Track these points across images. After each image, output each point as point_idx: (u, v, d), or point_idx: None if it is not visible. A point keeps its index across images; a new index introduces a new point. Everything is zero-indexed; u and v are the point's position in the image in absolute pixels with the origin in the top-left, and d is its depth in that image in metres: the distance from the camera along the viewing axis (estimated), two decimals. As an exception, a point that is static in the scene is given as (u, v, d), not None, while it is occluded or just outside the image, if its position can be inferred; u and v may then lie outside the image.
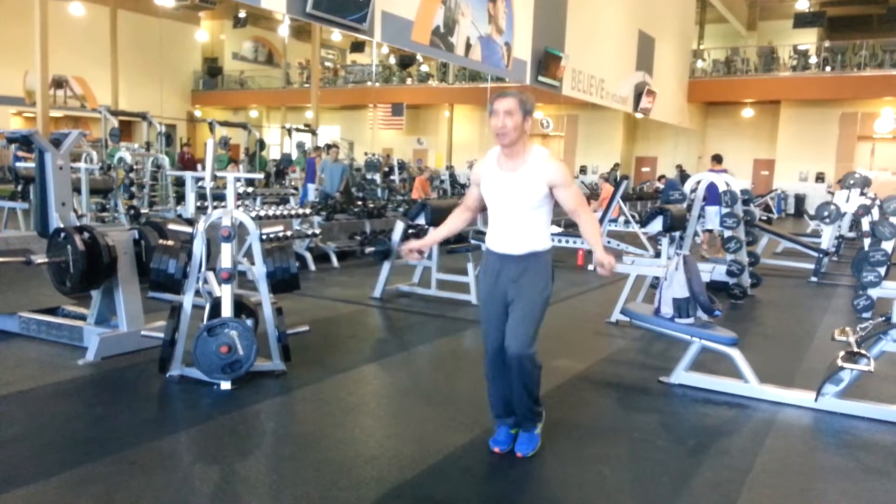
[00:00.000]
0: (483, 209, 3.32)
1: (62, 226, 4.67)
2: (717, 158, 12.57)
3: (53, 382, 4.04)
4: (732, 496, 2.93)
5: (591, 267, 9.24)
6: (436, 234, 3.55)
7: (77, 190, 8.45)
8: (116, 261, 4.58)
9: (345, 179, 11.85)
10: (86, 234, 4.51)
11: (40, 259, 4.58)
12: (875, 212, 9.02)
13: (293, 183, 10.87)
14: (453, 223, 3.45)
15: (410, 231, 7.08)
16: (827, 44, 22.40)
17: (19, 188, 9.23)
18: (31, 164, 5.60)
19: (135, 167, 9.96)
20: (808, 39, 23.14)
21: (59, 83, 22.39)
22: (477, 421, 3.62)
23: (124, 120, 14.07)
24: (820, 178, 22.53)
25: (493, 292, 3.17)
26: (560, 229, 10.40)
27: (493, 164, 3.15)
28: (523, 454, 3.25)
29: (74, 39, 21.70)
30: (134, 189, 9.76)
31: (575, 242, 9.71)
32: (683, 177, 18.34)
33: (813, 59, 22.27)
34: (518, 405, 3.23)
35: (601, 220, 10.30)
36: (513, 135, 3.01)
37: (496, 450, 3.29)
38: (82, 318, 4.96)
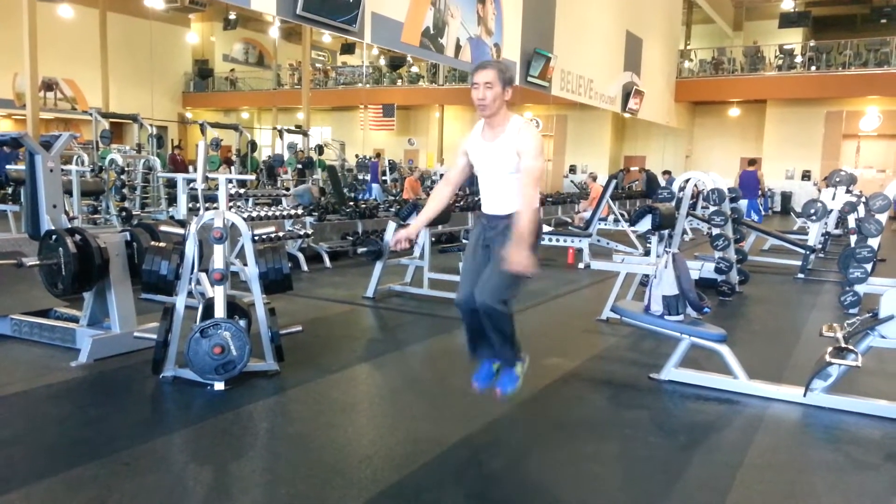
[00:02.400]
0: (464, 181, 3.46)
1: (53, 228, 4.66)
2: (752, 162, 15.27)
3: (46, 384, 4.03)
4: (723, 491, 2.96)
5: (581, 265, 9.29)
6: (421, 217, 3.58)
7: (68, 192, 8.42)
8: (108, 262, 4.57)
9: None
10: (77, 236, 4.51)
11: (32, 261, 4.57)
12: (861, 209, 9.11)
13: (285, 184, 10.87)
14: (437, 201, 3.52)
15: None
16: (812, 43, 22.58)
17: (10, 191, 9.18)
18: (22, 167, 5.58)
19: (126, 169, 9.93)
20: (794, 39, 23.31)
21: (49, 85, 22.25)
22: (470, 418, 3.64)
23: (115, 122, 13.99)
24: (806, 176, 22.70)
25: (477, 244, 3.34)
26: (550, 228, 10.45)
27: (478, 136, 3.28)
28: (502, 391, 3.36)
29: (64, 42, 21.56)
30: (125, 191, 9.73)
31: (565, 241, 9.75)
32: (650, 178, 18.03)
33: (798, 59, 22.43)
34: (496, 345, 3.33)
35: (591, 219, 10.35)
36: (493, 106, 3.11)
37: (475, 385, 3.42)
38: (75, 319, 4.95)
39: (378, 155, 20.25)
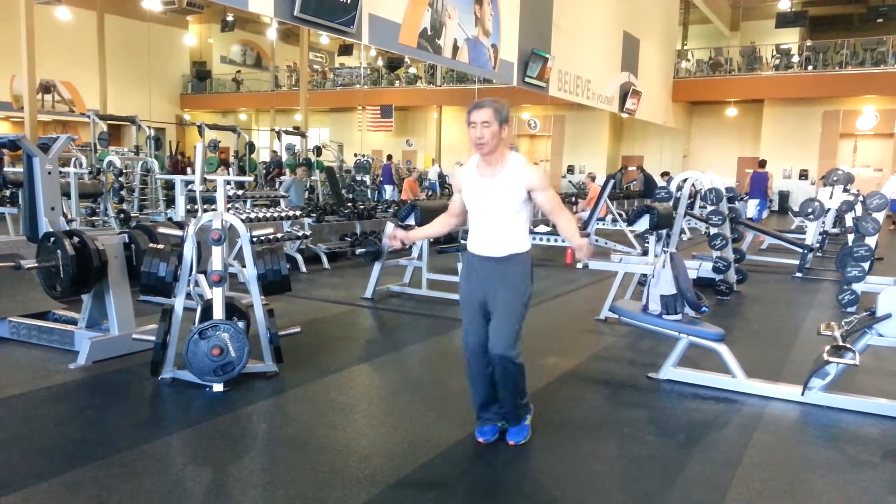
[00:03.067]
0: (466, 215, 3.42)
1: (52, 230, 4.66)
2: (762, 163, 16.24)
3: (45, 387, 4.03)
4: (722, 490, 2.97)
5: (579, 265, 9.30)
6: (420, 232, 3.67)
7: (66, 194, 8.42)
8: (107, 265, 4.57)
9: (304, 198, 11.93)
10: (75, 239, 4.51)
11: (30, 264, 4.57)
12: (858, 208, 9.13)
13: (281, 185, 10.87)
14: (438, 226, 3.57)
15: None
16: (809, 43, 22.63)
17: (8, 193, 9.18)
18: (20, 169, 5.59)
19: (124, 171, 9.93)
20: (791, 39, 23.35)
21: (46, 88, 22.23)
22: (468, 419, 3.64)
23: (113, 124, 13.99)
24: (803, 175, 22.74)
25: (474, 294, 3.28)
26: (548, 228, 10.46)
27: (474, 171, 3.26)
28: (515, 442, 3.35)
29: (62, 44, 21.56)
30: (123, 193, 9.73)
31: (563, 241, 9.75)
32: (647, 179, 18.21)
33: (795, 59, 22.48)
34: (505, 403, 3.33)
35: (589, 219, 10.36)
36: (491, 144, 3.13)
37: (481, 440, 3.37)
38: (73, 322, 4.95)
39: (390, 157, 20.53)
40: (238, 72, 29.47)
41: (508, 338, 3.15)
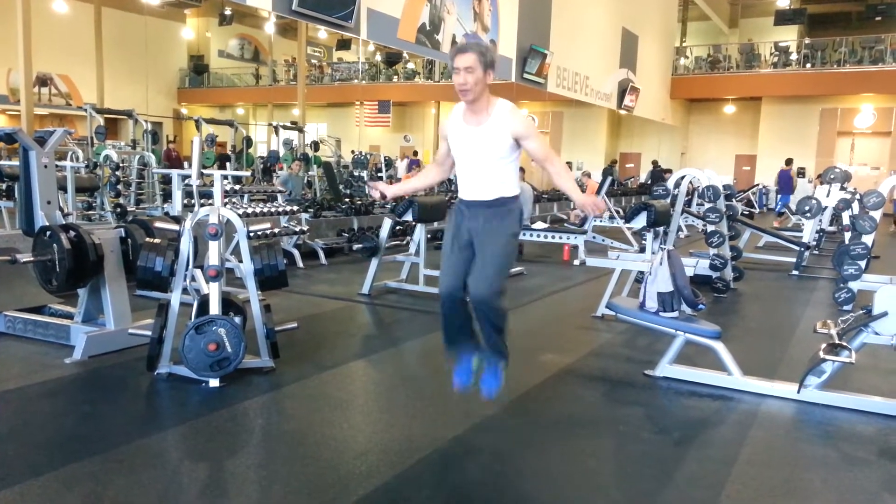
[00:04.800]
0: (453, 165, 3.33)
1: (48, 224, 4.65)
2: (788, 161, 17.73)
3: (40, 381, 4.02)
4: (717, 487, 2.97)
5: (576, 262, 9.30)
6: (405, 185, 3.56)
7: (63, 188, 8.39)
8: (103, 259, 4.56)
9: (305, 190, 11.98)
10: (72, 233, 4.49)
11: (26, 258, 4.56)
12: (855, 206, 9.14)
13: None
14: (424, 178, 3.50)
15: (398, 227, 7.11)
16: (807, 41, 22.64)
17: (4, 187, 9.15)
18: (16, 163, 5.57)
19: (121, 165, 9.90)
20: (789, 36, 23.36)
21: (43, 81, 22.16)
22: (466, 415, 3.64)
23: (110, 118, 13.95)
24: (801, 173, 22.72)
25: (458, 235, 3.21)
26: (546, 225, 10.46)
27: (459, 119, 3.16)
28: (487, 391, 3.30)
29: (58, 37, 21.48)
30: (120, 187, 9.70)
31: (561, 238, 9.76)
32: (655, 173, 18.62)
33: (793, 56, 22.48)
34: (485, 340, 3.27)
35: (586, 217, 10.36)
36: (475, 90, 3.01)
37: (456, 383, 3.35)
38: (69, 316, 4.94)
39: (416, 152, 20.84)
40: (256, 69, 29.24)
41: (493, 280, 3.06)
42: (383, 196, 3.37)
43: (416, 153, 21.97)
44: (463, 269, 3.15)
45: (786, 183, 17.88)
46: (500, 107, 3.09)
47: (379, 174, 16.65)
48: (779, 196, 18.29)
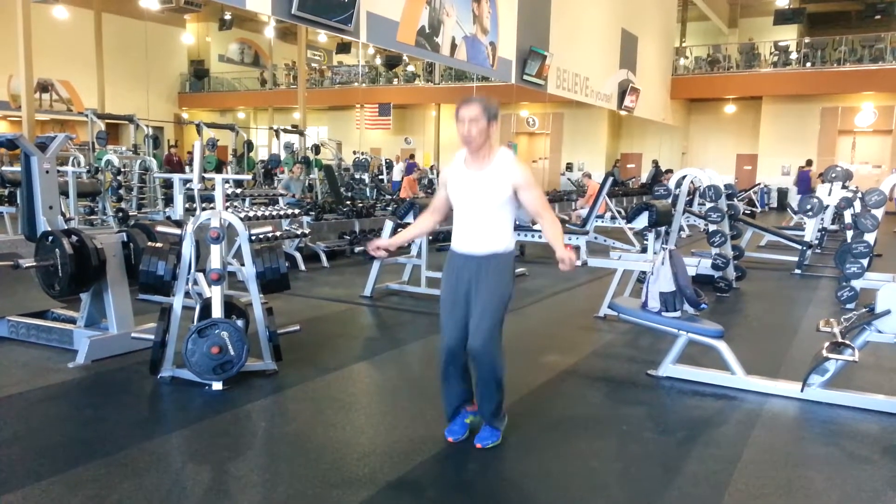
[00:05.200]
0: (449, 213, 3.36)
1: (50, 229, 4.66)
2: (808, 162, 18.72)
3: (44, 386, 4.03)
4: (721, 487, 2.97)
5: (578, 263, 9.28)
6: (402, 236, 3.55)
7: (65, 193, 8.41)
8: (105, 263, 4.57)
9: (306, 193, 12.01)
10: (74, 238, 4.51)
11: (28, 263, 4.56)
12: (857, 204, 9.13)
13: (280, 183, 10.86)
14: (420, 225, 3.53)
15: (399, 229, 7.10)
16: (807, 40, 22.63)
17: (6, 192, 9.17)
18: (18, 168, 5.58)
19: (122, 170, 9.92)
20: (789, 36, 23.34)
21: (44, 87, 22.18)
22: (468, 416, 3.64)
23: (111, 123, 13.97)
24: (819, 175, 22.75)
25: (455, 290, 3.23)
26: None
27: (461, 165, 3.24)
28: (483, 445, 3.28)
29: (59, 43, 21.51)
30: (122, 192, 9.72)
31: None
32: (658, 172, 18.69)
33: (793, 55, 22.46)
34: (484, 401, 3.27)
35: (588, 217, 10.35)
36: (479, 140, 3.11)
37: (451, 439, 3.33)
38: (72, 321, 4.95)
39: (412, 156, 20.86)
40: (262, 73, 29.18)
41: (488, 331, 3.11)
42: (387, 250, 3.43)
43: (412, 156, 22.15)
44: (463, 323, 3.19)
45: (805, 183, 18.59)
46: (501, 155, 3.17)
47: (380, 178, 16.67)
48: (799, 196, 18.65)
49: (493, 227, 3.16)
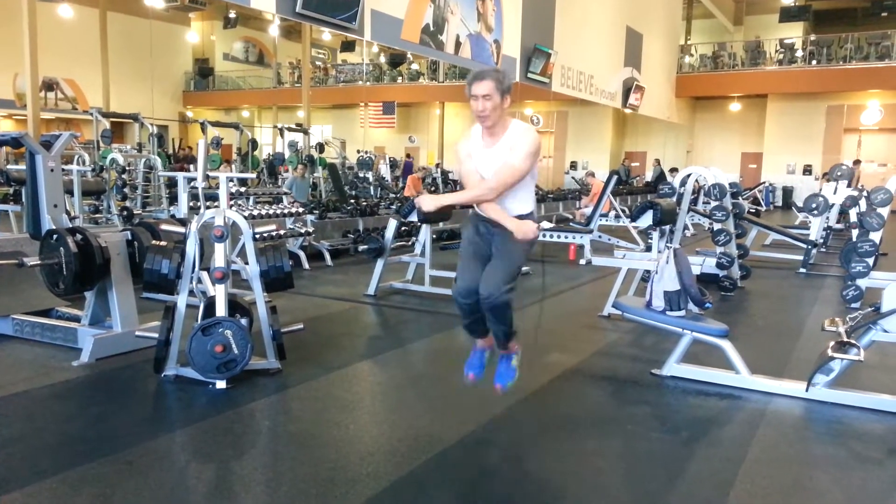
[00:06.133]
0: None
1: (54, 227, 4.66)
2: (856, 162, 18.05)
3: (48, 384, 4.04)
4: (726, 486, 2.96)
5: (582, 261, 9.28)
6: (455, 197, 3.46)
7: (69, 192, 8.43)
8: (109, 262, 4.57)
9: (308, 194, 12.01)
10: (78, 236, 4.51)
11: (33, 261, 4.57)
12: (862, 203, 9.10)
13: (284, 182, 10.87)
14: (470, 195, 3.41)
15: (403, 228, 7.10)
16: (812, 37, 22.52)
17: (11, 190, 9.20)
18: (23, 167, 5.59)
19: (127, 168, 9.94)
20: (794, 33, 23.24)
21: (49, 85, 22.25)
22: (471, 416, 3.64)
23: (116, 121, 14.02)
24: (807, 170, 22.65)
25: (475, 245, 3.29)
26: (551, 224, 10.44)
27: (478, 140, 3.25)
28: (501, 384, 3.37)
29: (64, 42, 21.56)
30: (126, 190, 9.74)
31: (566, 237, 9.74)
32: (662, 172, 18.63)
33: (799, 53, 22.37)
34: (496, 335, 3.36)
35: (592, 215, 10.34)
36: (493, 115, 3.10)
37: (470, 375, 3.44)
38: (76, 319, 4.96)
39: (409, 155, 20.86)
40: (277, 72, 29.16)
41: (498, 283, 3.11)
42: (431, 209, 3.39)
43: (409, 155, 22.54)
44: (478, 273, 3.21)
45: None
46: (514, 126, 3.19)
47: (384, 176, 16.66)
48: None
49: (511, 196, 3.20)
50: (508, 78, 3.13)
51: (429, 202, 3.34)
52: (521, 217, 3.20)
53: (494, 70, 3.11)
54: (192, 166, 12.90)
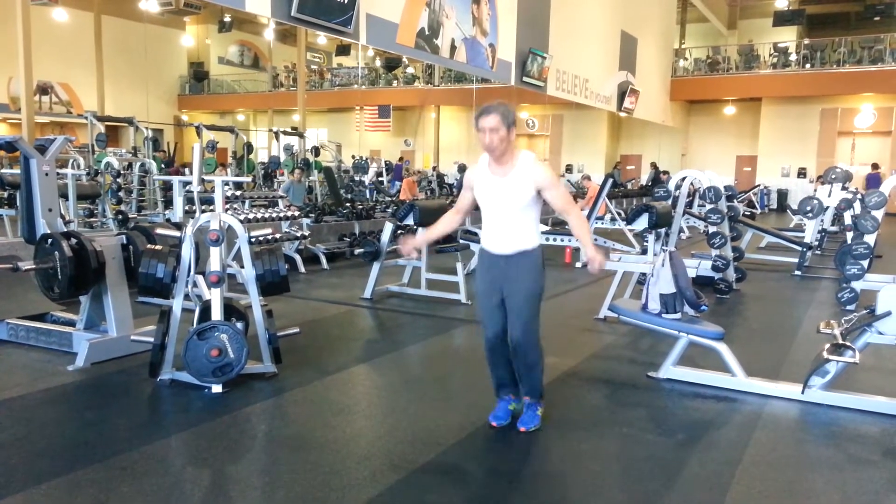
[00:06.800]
0: (474, 210, 3.57)
1: (49, 232, 4.65)
2: (875, 166, 19.01)
3: (43, 389, 4.02)
4: (722, 489, 2.96)
5: (578, 264, 9.29)
6: (431, 233, 3.77)
7: (64, 196, 8.40)
8: (104, 266, 4.56)
9: (306, 196, 12.02)
10: (73, 240, 4.50)
11: (28, 265, 4.56)
12: (857, 205, 9.13)
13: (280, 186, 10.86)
14: (447, 223, 3.69)
15: (399, 232, 7.10)
16: (806, 41, 22.65)
17: (6, 195, 9.17)
18: (17, 171, 5.58)
19: (122, 172, 9.91)
20: (788, 37, 23.36)
21: (44, 89, 22.18)
22: (468, 420, 3.64)
23: (111, 125, 13.96)
24: (802, 173, 22.74)
25: (489, 287, 3.46)
26: (548, 227, 10.45)
27: (485, 170, 3.39)
28: (526, 428, 3.48)
29: (59, 45, 21.53)
30: (121, 194, 9.71)
31: (562, 240, 9.76)
32: (657, 173, 18.68)
33: (793, 57, 22.48)
34: (524, 382, 3.52)
35: (588, 218, 10.35)
36: (501, 147, 3.27)
37: (493, 424, 3.54)
38: (71, 323, 4.94)
39: (402, 158, 21.99)
40: (276, 75, 29.11)
41: (525, 325, 3.34)
42: (419, 251, 3.78)
43: (402, 158, 22.91)
44: (501, 314, 3.42)
45: (876, 186, 18.76)
46: (523, 159, 3.34)
47: (380, 178, 16.67)
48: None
49: (519, 227, 3.35)
50: (512, 111, 3.30)
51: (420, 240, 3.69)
52: (525, 253, 3.34)
53: (499, 104, 3.28)
54: (186, 170, 12.89)
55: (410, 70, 26.11)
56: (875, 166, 19.33)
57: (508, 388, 3.59)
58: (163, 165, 12.74)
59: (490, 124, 3.22)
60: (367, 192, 14.60)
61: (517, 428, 3.49)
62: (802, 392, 4.01)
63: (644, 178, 22.78)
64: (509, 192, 3.29)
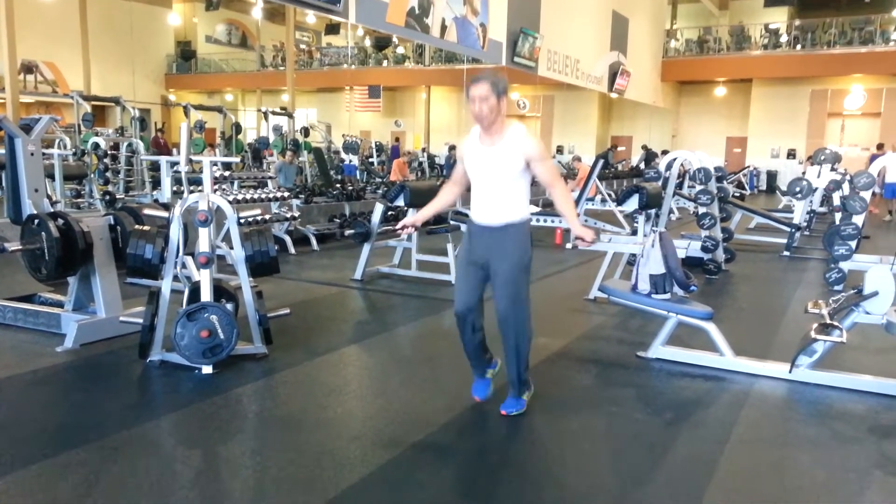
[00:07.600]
0: (469, 184, 3.50)
1: (35, 212, 4.60)
2: (879, 146, 17.80)
3: (31, 370, 4.00)
4: (710, 467, 2.99)
5: (568, 245, 9.30)
6: (428, 209, 3.67)
7: (50, 176, 8.32)
8: (92, 247, 4.53)
9: (297, 177, 11.93)
10: (60, 221, 4.46)
11: (14, 246, 4.52)
12: (845, 187, 9.17)
13: (271, 167, 10.79)
14: (444, 198, 3.66)
15: (389, 213, 7.08)
16: (797, 22, 22.60)
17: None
18: (2, 151, 5.51)
19: (109, 152, 9.82)
20: (779, 18, 23.30)
21: (28, 68, 21.84)
22: (458, 400, 3.65)
23: (97, 105, 13.82)
24: (791, 154, 22.81)
25: (471, 256, 3.38)
26: (538, 209, 10.45)
27: (476, 141, 3.34)
28: (508, 412, 3.44)
29: (43, 24, 21.21)
30: (109, 174, 9.63)
31: (553, 221, 9.76)
32: (650, 155, 18.67)
33: (784, 38, 22.46)
34: (508, 367, 3.44)
35: (578, 199, 10.35)
36: (490, 117, 3.21)
37: (476, 398, 3.53)
38: (59, 304, 4.91)
39: (397, 139, 22.05)
40: (268, 55, 28.87)
41: (512, 297, 3.28)
42: (416, 228, 3.67)
43: (397, 139, 23.02)
44: (476, 287, 3.36)
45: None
46: (514, 130, 3.28)
47: (370, 160, 16.60)
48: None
49: (508, 198, 3.29)
50: (504, 81, 3.23)
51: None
52: (513, 224, 3.27)
53: (489, 74, 3.21)
54: (175, 150, 12.78)
55: (401, 50, 25.90)
56: (880, 147, 19.16)
57: (480, 360, 3.52)
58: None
59: (480, 93, 3.16)
60: (358, 172, 14.52)
61: (500, 412, 3.45)
62: (790, 371, 4.05)
63: (635, 159, 22.79)
64: (498, 162, 3.24)
